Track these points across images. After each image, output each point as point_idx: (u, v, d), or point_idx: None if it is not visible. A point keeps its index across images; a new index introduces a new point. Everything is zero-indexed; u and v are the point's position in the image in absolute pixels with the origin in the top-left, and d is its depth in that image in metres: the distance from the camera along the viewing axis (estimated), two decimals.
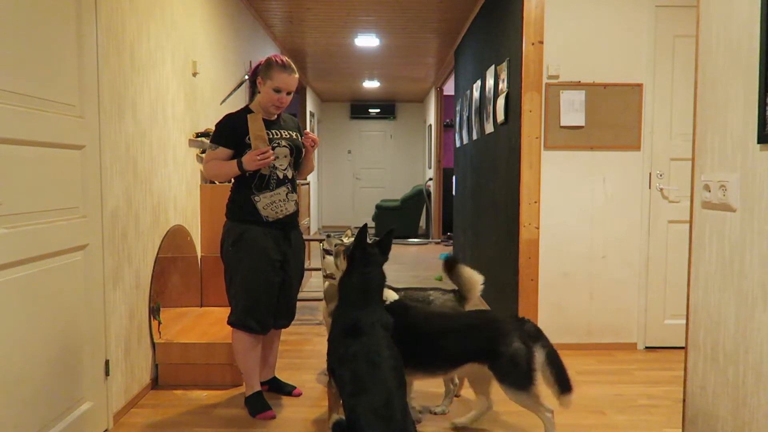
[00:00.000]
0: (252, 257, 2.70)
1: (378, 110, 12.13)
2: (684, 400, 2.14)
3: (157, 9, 3.18)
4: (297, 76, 2.75)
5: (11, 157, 1.94)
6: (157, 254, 3.18)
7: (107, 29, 2.58)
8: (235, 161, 2.66)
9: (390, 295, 2.56)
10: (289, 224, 2.82)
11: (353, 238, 2.71)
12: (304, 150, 2.88)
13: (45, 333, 2.13)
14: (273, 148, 2.68)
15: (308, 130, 9.63)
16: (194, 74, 3.82)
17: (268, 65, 2.71)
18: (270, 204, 2.72)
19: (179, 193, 3.49)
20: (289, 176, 2.80)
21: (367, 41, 6.77)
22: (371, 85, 9.97)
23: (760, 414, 1.69)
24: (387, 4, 5.49)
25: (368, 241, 2.43)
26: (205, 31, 4.10)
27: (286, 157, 2.77)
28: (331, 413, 2.50)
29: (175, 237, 3.43)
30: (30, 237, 2.03)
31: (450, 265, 2.82)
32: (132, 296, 2.87)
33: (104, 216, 2.55)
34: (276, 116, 2.82)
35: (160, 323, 3.19)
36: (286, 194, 2.76)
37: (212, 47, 4.26)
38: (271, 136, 2.73)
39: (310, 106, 10.08)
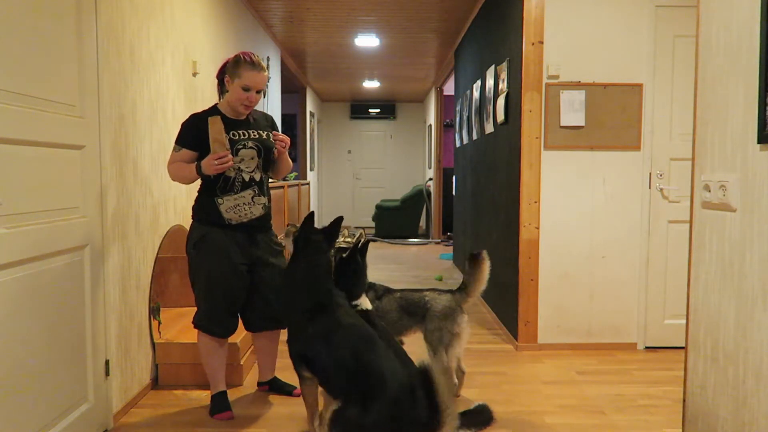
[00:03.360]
0: (212, 261, 2.66)
1: (378, 110, 12.13)
2: (684, 400, 2.14)
3: (157, 9, 3.18)
4: (266, 74, 2.67)
5: (11, 157, 1.94)
6: (157, 254, 3.18)
7: (107, 29, 2.58)
8: (192, 167, 2.60)
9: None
10: (256, 227, 2.75)
11: (348, 239, 2.72)
12: (275, 150, 2.79)
13: (45, 333, 2.13)
14: (238, 150, 2.63)
15: (308, 129, 9.68)
16: (194, 74, 3.82)
17: (236, 62, 2.63)
18: (233, 207, 2.65)
19: (179, 193, 3.49)
20: (257, 179, 2.70)
21: (367, 41, 6.77)
22: (371, 85, 9.97)
23: (760, 414, 1.69)
24: (387, 4, 5.49)
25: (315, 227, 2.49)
26: (205, 31, 4.10)
27: (253, 159, 2.68)
28: (314, 416, 2.47)
29: (175, 237, 3.43)
30: (30, 237, 2.03)
31: (474, 259, 2.83)
32: (132, 296, 2.87)
33: (104, 216, 2.55)
34: (245, 115, 2.74)
35: (160, 323, 3.20)
36: (252, 197, 2.68)
37: (212, 47, 4.26)
38: (237, 137, 2.65)
39: (310, 106, 10.08)
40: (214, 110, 2.72)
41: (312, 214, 2.49)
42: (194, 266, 2.71)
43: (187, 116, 3.64)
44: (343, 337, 2.21)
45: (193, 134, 2.64)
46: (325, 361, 2.22)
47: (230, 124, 2.67)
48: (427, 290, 2.93)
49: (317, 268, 2.40)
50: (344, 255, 2.57)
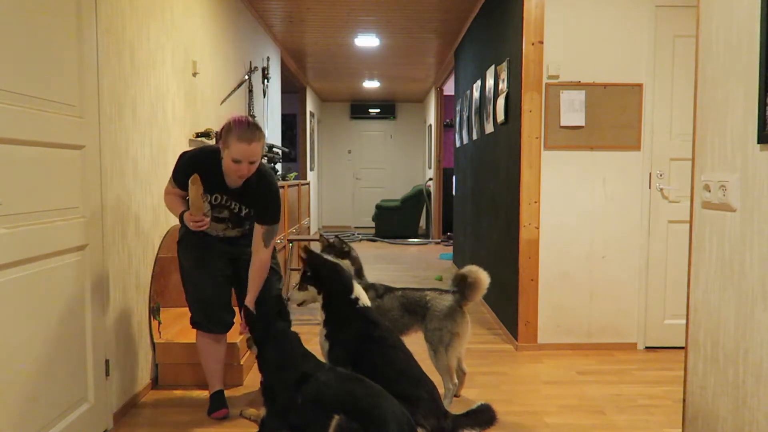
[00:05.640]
0: (195, 253, 2.68)
1: (378, 110, 12.13)
2: (684, 400, 2.14)
3: (157, 9, 3.18)
4: (261, 142, 2.45)
5: (11, 157, 1.93)
6: (157, 254, 3.18)
7: (107, 29, 2.58)
8: (180, 209, 2.57)
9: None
10: (236, 238, 2.73)
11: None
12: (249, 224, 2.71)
13: (45, 333, 2.13)
14: (213, 215, 2.58)
15: (308, 129, 9.67)
16: (194, 74, 3.82)
17: (228, 131, 2.43)
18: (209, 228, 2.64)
19: None
20: (232, 227, 2.68)
21: (367, 41, 6.77)
22: (371, 85, 9.97)
23: (760, 414, 1.69)
24: (387, 4, 5.49)
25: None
26: (205, 31, 4.10)
27: (223, 223, 2.64)
28: None
29: (175, 237, 3.42)
30: (30, 237, 2.03)
31: (459, 279, 2.87)
32: (132, 296, 2.87)
33: (104, 216, 2.55)
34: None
35: (160, 323, 3.19)
36: (224, 230, 2.68)
37: (212, 47, 4.26)
38: (218, 202, 2.59)
39: (310, 106, 10.08)
40: (213, 157, 2.54)
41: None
42: (181, 262, 2.73)
43: (186, 116, 3.66)
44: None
45: (185, 179, 2.54)
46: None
47: (217, 185, 2.56)
48: (428, 290, 2.93)
49: None
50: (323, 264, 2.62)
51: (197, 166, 2.54)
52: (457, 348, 2.82)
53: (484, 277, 2.82)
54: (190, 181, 2.48)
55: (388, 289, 2.93)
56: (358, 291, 2.58)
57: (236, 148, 2.40)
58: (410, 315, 2.86)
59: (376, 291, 2.90)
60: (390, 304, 2.87)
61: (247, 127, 2.42)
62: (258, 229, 2.66)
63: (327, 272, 2.57)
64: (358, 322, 2.51)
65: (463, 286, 2.84)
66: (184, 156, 2.60)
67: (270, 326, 2.42)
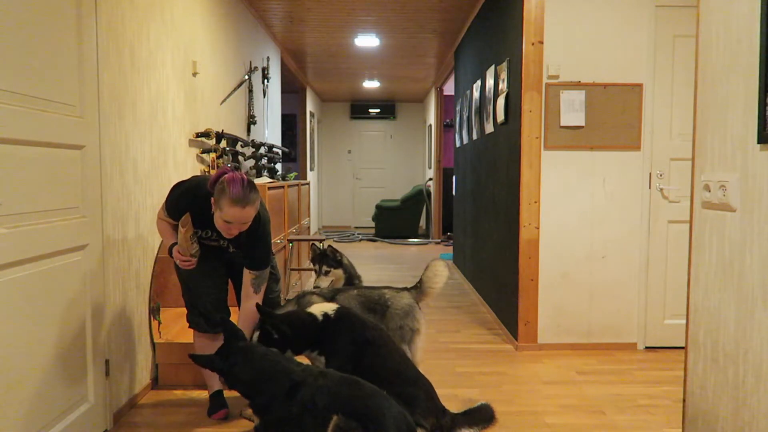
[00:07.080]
0: None
1: (378, 110, 12.13)
2: (684, 400, 2.14)
3: (157, 9, 3.18)
4: (255, 204, 2.33)
5: (11, 157, 1.94)
6: (157, 254, 3.18)
7: (107, 29, 2.58)
8: (170, 240, 2.56)
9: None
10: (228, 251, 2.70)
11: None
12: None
13: (45, 333, 2.13)
14: (201, 244, 2.57)
15: (308, 129, 9.67)
16: (194, 74, 3.82)
17: (221, 192, 2.29)
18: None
19: None
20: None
21: (367, 41, 6.77)
22: (371, 85, 9.97)
23: (760, 414, 1.69)
24: (387, 4, 5.49)
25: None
26: (205, 31, 4.10)
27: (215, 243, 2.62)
28: None
29: None
30: (30, 237, 2.03)
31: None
32: (132, 296, 2.87)
33: (104, 216, 2.55)
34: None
35: (160, 323, 3.20)
36: (216, 246, 2.64)
37: (212, 47, 4.26)
38: (207, 235, 2.58)
39: (310, 106, 10.08)
40: (207, 194, 2.41)
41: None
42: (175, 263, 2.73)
43: (186, 116, 3.66)
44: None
45: (176, 213, 2.53)
46: None
47: (208, 223, 2.50)
48: (386, 288, 2.95)
49: None
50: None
51: (189, 202, 2.49)
52: (418, 344, 2.83)
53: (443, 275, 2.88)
54: (180, 223, 2.46)
55: (340, 290, 2.94)
56: (315, 309, 2.55)
57: (229, 212, 2.29)
58: (370, 313, 2.86)
59: (323, 296, 2.88)
60: (348, 303, 2.86)
61: (241, 189, 2.28)
62: (246, 275, 2.57)
63: (286, 330, 2.50)
64: (342, 326, 2.51)
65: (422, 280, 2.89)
66: (178, 188, 2.56)
67: (228, 352, 2.27)
